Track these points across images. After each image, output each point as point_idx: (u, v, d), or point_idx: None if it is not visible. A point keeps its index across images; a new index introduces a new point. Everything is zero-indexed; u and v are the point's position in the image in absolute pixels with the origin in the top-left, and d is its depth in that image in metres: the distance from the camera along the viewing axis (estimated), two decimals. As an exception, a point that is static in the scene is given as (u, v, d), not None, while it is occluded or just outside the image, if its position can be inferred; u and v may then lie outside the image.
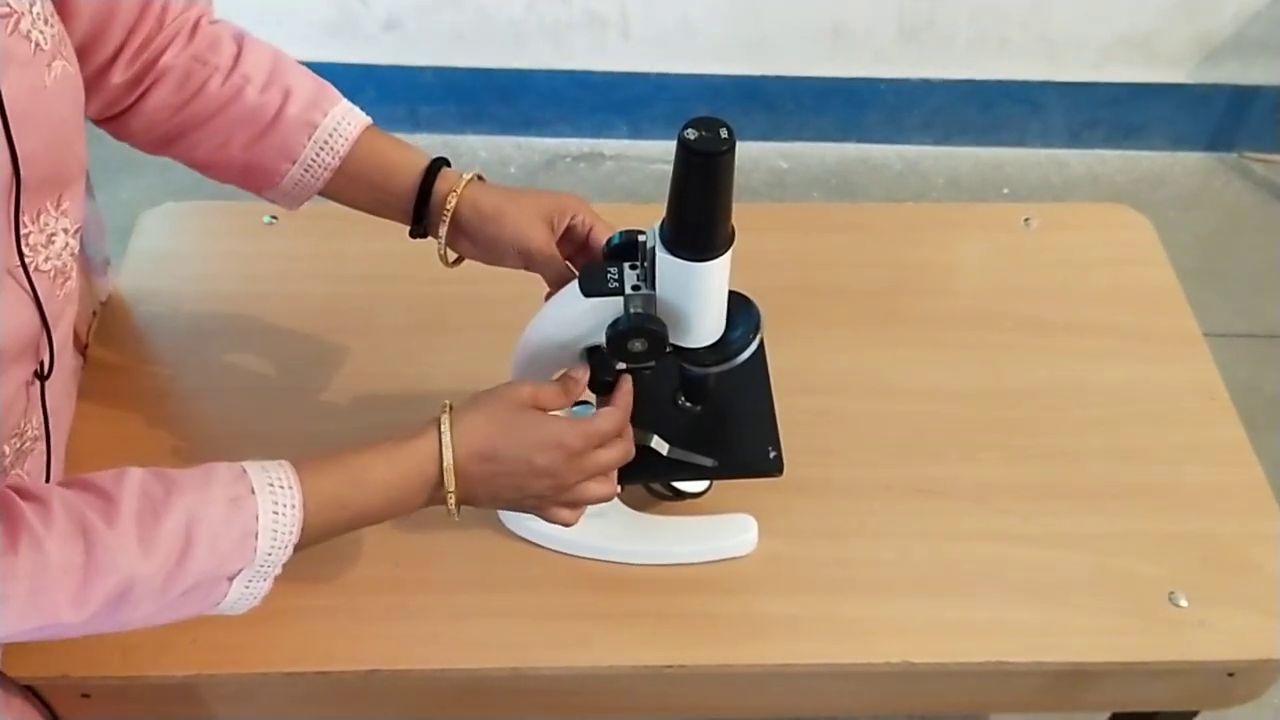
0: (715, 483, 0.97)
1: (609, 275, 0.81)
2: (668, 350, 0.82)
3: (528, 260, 0.89)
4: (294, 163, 0.90)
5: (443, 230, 0.90)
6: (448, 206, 0.89)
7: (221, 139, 0.90)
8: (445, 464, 0.78)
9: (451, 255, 0.93)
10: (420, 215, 0.91)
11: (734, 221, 0.77)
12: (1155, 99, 2.28)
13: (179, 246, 1.23)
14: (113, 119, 0.91)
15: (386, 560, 0.96)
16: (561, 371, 0.86)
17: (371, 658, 0.90)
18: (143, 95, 0.89)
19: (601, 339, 0.81)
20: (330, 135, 0.90)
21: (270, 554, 0.74)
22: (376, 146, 0.92)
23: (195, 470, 0.74)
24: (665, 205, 0.76)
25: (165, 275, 1.19)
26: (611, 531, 0.96)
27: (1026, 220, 1.25)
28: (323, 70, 0.93)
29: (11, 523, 0.68)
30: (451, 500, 0.79)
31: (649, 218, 0.80)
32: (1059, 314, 1.16)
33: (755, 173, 2.30)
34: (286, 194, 0.93)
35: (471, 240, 0.91)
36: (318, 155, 0.90)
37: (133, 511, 0.70)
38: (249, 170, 0.91)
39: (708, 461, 0.90)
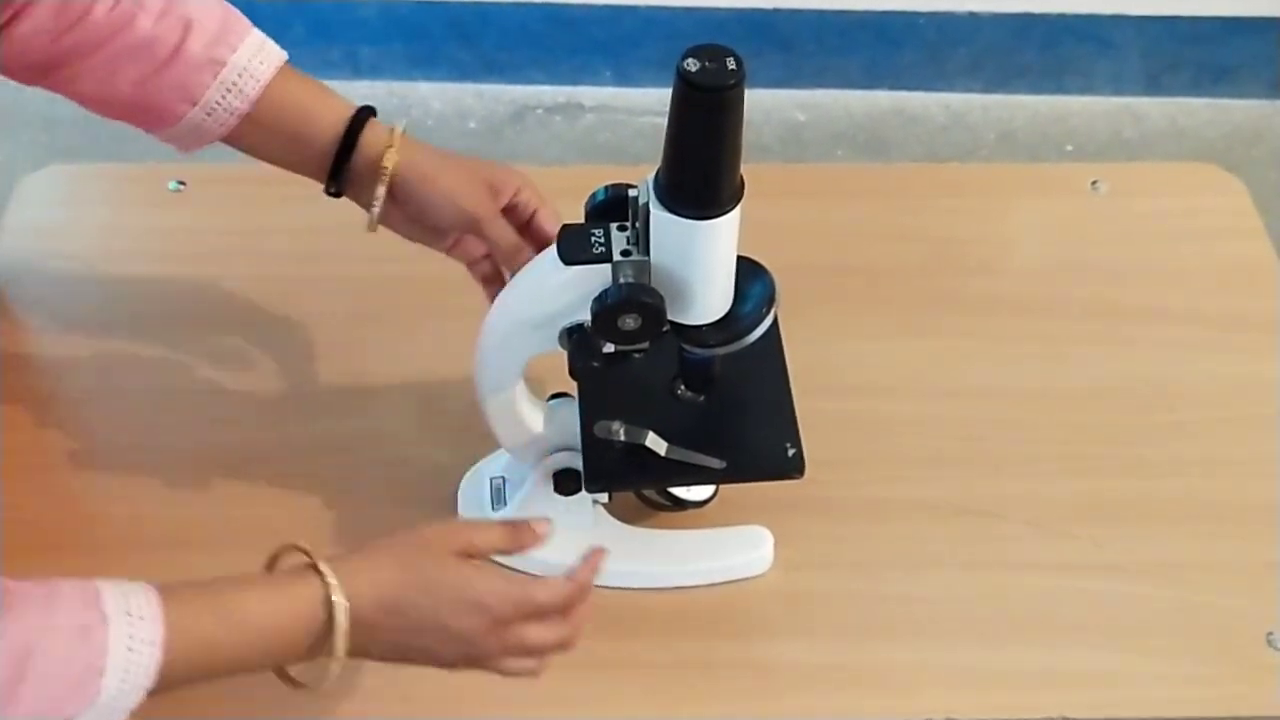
0: (720, 494, 0.98)
1: (593, 238, 0.81)
2: (664, 329, 0.82)
3: (472, 225, 0.91)
4: (195, 105, 0.91)
5: (380, 191, 0.92)
6: (384, 165, 0.91)
7: (106, 73, 0.90)
8: (337, 618, 0.75)
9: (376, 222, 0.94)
10: (338, 172, 0.93)
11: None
12: (1250, 35, 2.28)
13: (66, 218, 1.22)
14: None
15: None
16: (510, 518, 0.84)
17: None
18: (14, 18, 0.88)
19: (585, 315, 0.81)
20: (240, 76, 0.91)
21: (117, 698, 0.71)
22: (292, 90, 0.93)
23: (39, 588, 0.71)
24: (659, 158, 0.75)
25: (50, 253, 1.18)
26: (597, 551, 0.96)
27: (1095, 183, 1.25)
28: (239, 4, 0.93)
29: None
30: (339, 654, 0.76)
31: (638, 181, 0.79)
32: (1135, 297, 1.16)
33: (767, 126, 2.30)
34: (182, 137, 0.94)
35: (401, 206, 0.93)
36: (223, 98, 0.91)
37: None
38: (140, 110, 0.93)
39: (714, 462, 0.90)
